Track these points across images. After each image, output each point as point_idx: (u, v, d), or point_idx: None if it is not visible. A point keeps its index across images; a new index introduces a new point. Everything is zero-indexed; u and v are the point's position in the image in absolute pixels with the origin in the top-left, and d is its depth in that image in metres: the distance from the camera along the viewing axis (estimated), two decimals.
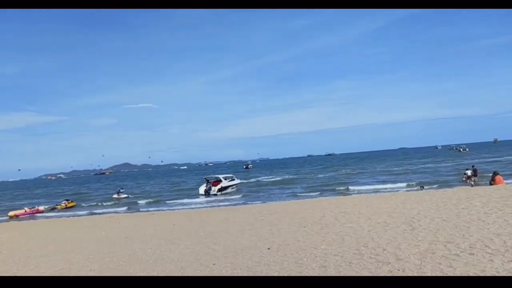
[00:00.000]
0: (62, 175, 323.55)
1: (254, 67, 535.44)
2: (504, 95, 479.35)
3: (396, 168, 53.62)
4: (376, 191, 28.38)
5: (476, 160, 54.29)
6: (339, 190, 31.67)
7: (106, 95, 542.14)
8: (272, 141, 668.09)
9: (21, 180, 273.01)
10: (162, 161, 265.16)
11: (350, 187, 32.57)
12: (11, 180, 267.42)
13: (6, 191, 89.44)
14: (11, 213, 32.49)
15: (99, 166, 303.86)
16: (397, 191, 25.80)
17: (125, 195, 43.03)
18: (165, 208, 28.95)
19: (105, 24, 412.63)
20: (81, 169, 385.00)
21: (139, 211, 29.21)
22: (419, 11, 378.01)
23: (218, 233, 12.57)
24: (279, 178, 53.61)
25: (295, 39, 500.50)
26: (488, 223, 9.84)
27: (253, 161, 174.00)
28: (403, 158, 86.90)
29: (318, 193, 31.03)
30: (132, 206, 32.81)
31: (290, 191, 34.74)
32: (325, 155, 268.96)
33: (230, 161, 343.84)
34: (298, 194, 30.78)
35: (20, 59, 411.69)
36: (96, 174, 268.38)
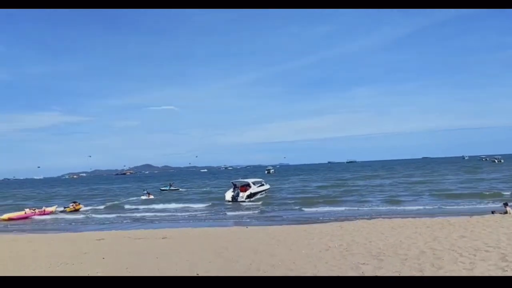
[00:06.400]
0: (84, 174, 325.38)
1: (275, 72, 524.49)
2: None
3: (438, 178, 45.93)
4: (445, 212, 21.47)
5: None
6: (396, 206, 24.63)
7: (130, 98, 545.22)
8: (292, 146, 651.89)
9: (44, 178, 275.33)
10: (189, 163, 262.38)
11: (406, 204, 25.63)
12: (36, 177, 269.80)
13: (21, 189, 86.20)
14: (5, 216, 27.05)
15: (124, 166, 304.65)
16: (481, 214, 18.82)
17: (152, 196, 39.57)
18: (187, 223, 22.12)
19: (130, 28, 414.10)
20: (103, 168, 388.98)
21: (142, 222, 23.11)
22: (442, 20, 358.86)
23: None
24: (315, 185, 47.03)
25: (316, 45, 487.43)
26: None
27: (274, 166, 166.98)
28: (438, 169, 77.82)
29: (379, 207, 24.30)
30: (132, 216, 26.57)
31: (340, 206, 25.33)
32: (346, 162, 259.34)
33: (249, 166, 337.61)
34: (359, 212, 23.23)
35: (48, 60, 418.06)
36: (117, 174, 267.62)
